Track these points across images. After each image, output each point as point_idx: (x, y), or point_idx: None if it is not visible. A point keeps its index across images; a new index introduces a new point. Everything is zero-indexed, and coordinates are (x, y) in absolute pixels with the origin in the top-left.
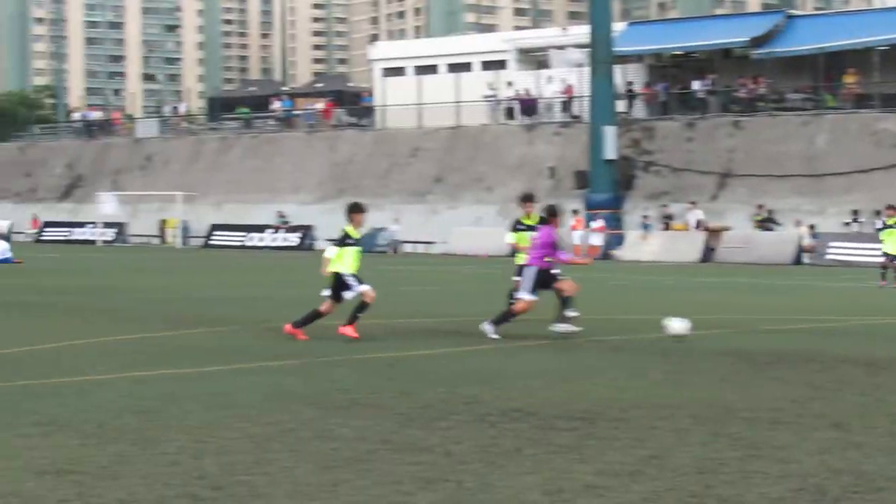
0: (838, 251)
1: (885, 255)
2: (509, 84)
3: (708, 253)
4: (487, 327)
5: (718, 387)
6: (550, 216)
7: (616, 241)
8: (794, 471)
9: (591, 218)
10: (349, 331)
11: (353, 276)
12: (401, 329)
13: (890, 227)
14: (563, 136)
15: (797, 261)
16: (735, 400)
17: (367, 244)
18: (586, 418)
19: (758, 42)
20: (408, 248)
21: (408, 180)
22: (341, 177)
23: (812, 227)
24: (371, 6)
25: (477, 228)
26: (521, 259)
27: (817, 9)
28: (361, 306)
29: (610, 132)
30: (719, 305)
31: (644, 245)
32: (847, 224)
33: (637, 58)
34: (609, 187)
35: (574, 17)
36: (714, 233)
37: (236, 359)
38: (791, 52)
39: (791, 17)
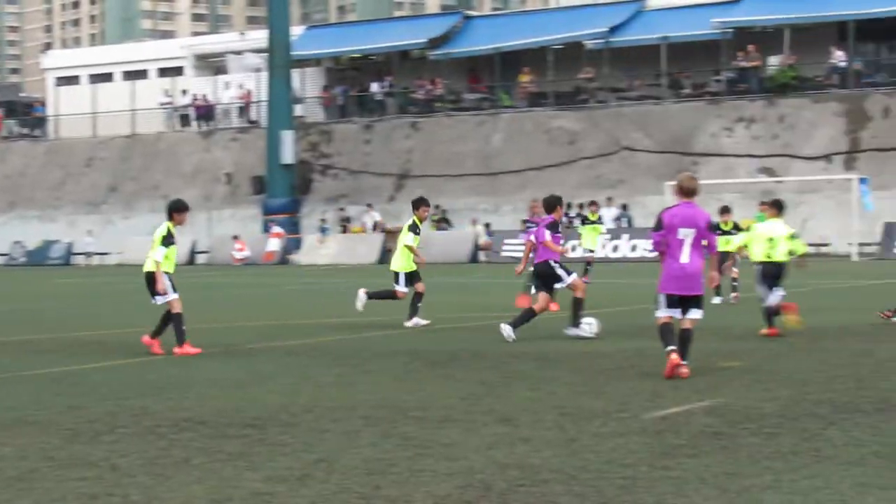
0: (514, 248)
1: (586, 249)
2: (185, 92)
3: (385, 254)
4: (506, 329)
5: (391, 387)
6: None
7: (294, 245)
8: (462, 467)
9: (267, 224)
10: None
11: (171, 279)
12: (71, 343)
13: (593, 222)
14: (241, 141)
15: (473, 259)
16: (407, 399)
17: (39, 257)
18: (257, 425)
19: (436, 43)
20: (80, 259)
21: (82, 191)
22: (12, 189)
23: (487, 225)
24: (45, 14)
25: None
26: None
27: (495, 9)
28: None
29: (287, 137)
30: (394, 306)
31: (322, 248)
32: (522, 221)
33: (315, 61)
34: (286, 192)
35: (252, 21)
36: (391, 234)
37: None
38: (468, 52)
39: (468, 17)
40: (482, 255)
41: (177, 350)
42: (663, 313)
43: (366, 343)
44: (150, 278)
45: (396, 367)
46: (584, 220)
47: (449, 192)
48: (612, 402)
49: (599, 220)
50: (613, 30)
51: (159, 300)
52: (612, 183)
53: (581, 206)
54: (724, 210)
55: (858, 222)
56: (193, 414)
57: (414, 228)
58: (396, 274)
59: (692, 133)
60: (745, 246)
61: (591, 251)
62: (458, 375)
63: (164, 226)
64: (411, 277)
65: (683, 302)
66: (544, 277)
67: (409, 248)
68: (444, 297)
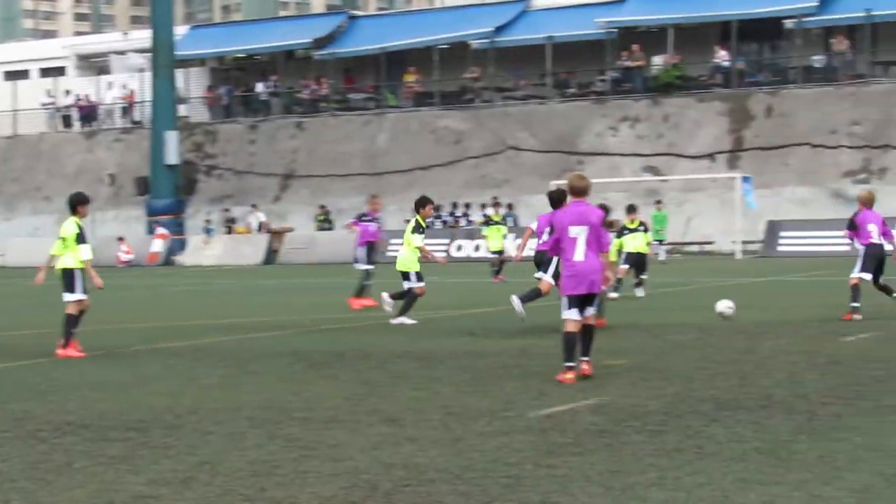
0: (398, 247)
1: (492, 251)
2: (67, 92)
3: (271, 255)
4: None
5: (275, 388)
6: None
7: (178, 246)
8: (347, 468)
9: (151, 225)
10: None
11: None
12: None
13: (496, 223)
14: (124, 142)
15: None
16: (292, 400)
17: None
18: (140, 428)
19: (321, 43)
20: None
21: None
22: None
23: None
24: None
25: (34, 239)
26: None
27: (380, 9)
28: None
29: (171, 137)
30: (280, 306)
31: (207, 249)
32: (407, 221)
33: (200, 61)
34: (171, 193)
35: (136, 21)
36: (276, 234)
37: None
38: (353, 52)
39: (353, 17)
40: None
41: (60, 351)
42: (567, 316)
43: (251, 344)
44: (69, 275)
45: (281, 368)
46: (488, 221)
47: (334, 192)
48: (498, 401)
49: (503, 221)
50: (499, 30)
51: (70, 297)
52: (497, 182)
53: (468, 205)
54: (631, 209)
55: (742, 220)
56: (76, 417)
57: (418, 228)
58: (406, 273)
59: (577, 132)
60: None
61: (500, 252)
62: (344, 376)
63: (72, 221)
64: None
65: (582, 300)
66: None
67: (420, 249)
68: (328, 297)
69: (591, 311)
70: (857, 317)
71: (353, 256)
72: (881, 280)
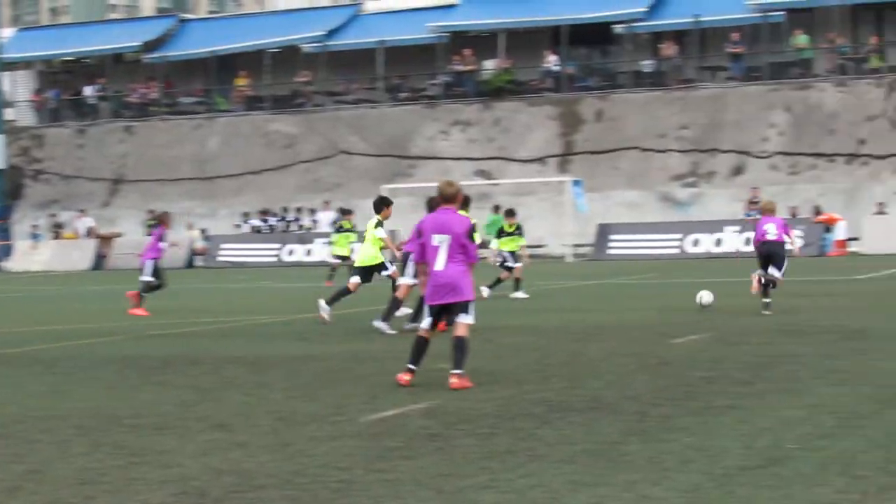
0: (230, 252)
1: (336, 256)
2: None
3: (100, 260)
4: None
5: (104, 395)
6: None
7: (4, 252)
8: (177, 475)
9: None
10: None
11: None
12: None
13: (346, 230)
14: None
15: (190, 264)
16: (120, 407)
17: None
18: None
19: (151, 46)
20: None
21: None
22: None
23: (204, 230)
24: None
25: None
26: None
27: (211, 12)
28: None
29: None
30: (110, 313)
31: (34, 255)
32: (238, 226)
33: (26, 64)
34: None
35: None
36: (105, 240)
37: None
38: (183, 55)
39: (184, 20)
40: (198, 260)
41: None
42: (424, 324)
43: (80, 351)
44: None
45: (110, 375)
46: (340, 229)
47: (165, 196)
48: (328, 406)
49: (352, 229)
50: (330, 33)
51: None
52: (329, 186)
53: (299, 209)
54: (510, 213)
55: (572, 224)
56: None
57: (380, 225)
58: (375, 266)
59: (409, 136)
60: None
61: (346, 258)
62: (173, 382)
63: None
64: (366, 272)
65: (447, 310)
66: None
67: (382, 240)
68: (159, 302)
69: (464, 318)
70: (765, 312)
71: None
72: (770, 270)
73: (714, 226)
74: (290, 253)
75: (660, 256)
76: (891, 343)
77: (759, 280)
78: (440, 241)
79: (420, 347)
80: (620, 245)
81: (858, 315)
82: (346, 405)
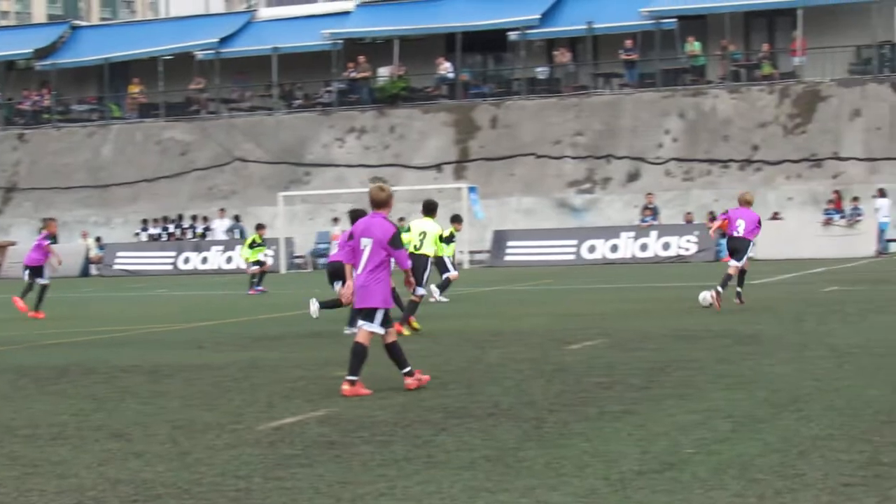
0: (125, 261)
1: (255, 263)
2: None
3: None
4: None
5: None
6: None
7: None
8: (73, 485)
9: None
10: None
11: None
12: None
13: (259, 245)
14: None
15: (85, 272)
16: (14, 418)
17: None
18: None
19: (43, 54)
20: None
21: None
22: None
23: (98, 238)
24: None
25: None
26: None
27: (103, 19)
28: None
29: None
30: (3, 322)
31: None
32: (137, 234)
33: None
34: None
35: None
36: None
37: None
38: (76, 62)
39: (76, 27)
40: (94, 269)
41: None
42: (348, 330)
43: None
44: None
45: (3, 385)
46: (253, 244)
47: (59, 204)
48: (226, 415)
49: (263, 243)
50: (224, 41)
51: None
52: (224, 194)
53: (194, 217)
54: (455, 219)
55: (469, 230)
56: None
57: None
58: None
59: (304, 144)
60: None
61: (260, 264)
62: (69, 392)
63: None
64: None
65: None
66: None
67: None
68: (54, 311)
69: (366, 325)
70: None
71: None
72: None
73: (610, 232)
74: (186, 261)
75: (556, 262)
76: (783, 348)
77: (717, 296)
78: (365, 245)
79: (356, 354)
80: (517, 251)
81: (752, 320)
82: (243, 413)
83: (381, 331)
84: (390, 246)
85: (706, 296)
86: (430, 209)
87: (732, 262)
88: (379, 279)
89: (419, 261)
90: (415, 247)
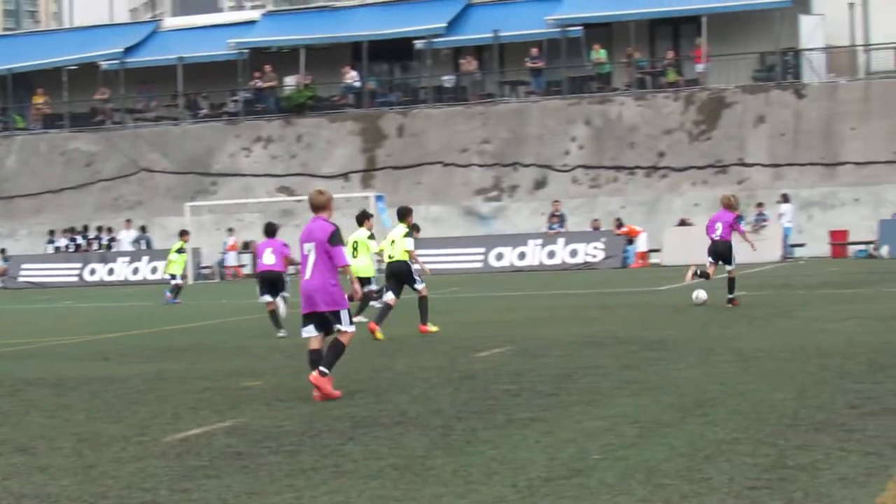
0: (31, 273)
1: (172, 276)
2: None
3: None
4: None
5: None
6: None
7: None
8: None
9: None
10: None
11: None
12: None
13: (181, 251)
14: None
15: None
16: None
17: None
18: None
19: None
20: None
21: None
22: None
23: (3, 250)
24: None
25: None
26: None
27: (6, 29)
28: None
29: None
30: None
31: None
32: (53, 243)
33: None
34: None
35: None
36: None
37: None
38: None
39: None
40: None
41: None
42: (304, 334)
43: None
44: None
45: None
46: (180, 250)
47: None
48: (132, 427)
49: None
50: (129, 50)
51: None
52: (130, 204)
53: (100, 228)
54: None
55: (377, 239)
56: None
57: (371, 237)
58: (368, 278)
59: (211, 153)
60: (381, 251)
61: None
62: None
63: None
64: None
65: (319, 318)
66: None
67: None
68: None
69: (344, 328)
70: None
71: None
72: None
73: (517, 239)
74: (92, 272)
75: (464, 270)
76: (690, 353)
77: (694, 274)
78: (308, 250)
79: (314, 361)
80: (425, 260)
81: (658, 326)
82: (149, 425)
83: (353, 329)
84: (328, 243)
85: (700, 294)
86: (403, 215)
87: (727, 267)
88: (329, 280)
89: (401, 267)
90: (389, 256)
